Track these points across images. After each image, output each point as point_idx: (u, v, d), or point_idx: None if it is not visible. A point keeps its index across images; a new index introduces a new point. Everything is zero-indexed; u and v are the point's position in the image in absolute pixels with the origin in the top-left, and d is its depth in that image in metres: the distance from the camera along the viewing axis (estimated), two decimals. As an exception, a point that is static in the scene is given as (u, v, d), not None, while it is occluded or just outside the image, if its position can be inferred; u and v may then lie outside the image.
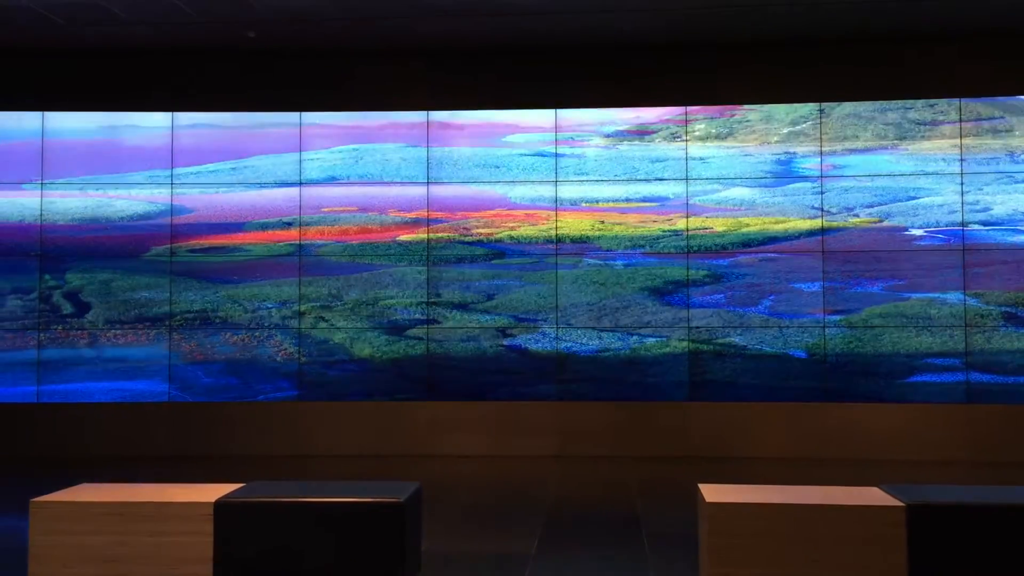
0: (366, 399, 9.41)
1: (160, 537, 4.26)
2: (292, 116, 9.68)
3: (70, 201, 9.66)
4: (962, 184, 9.16)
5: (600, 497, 7.51)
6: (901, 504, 4.03)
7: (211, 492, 4.44)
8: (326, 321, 9.52)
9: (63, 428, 9.36)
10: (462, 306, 9.49)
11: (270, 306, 9.55)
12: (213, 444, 9.29)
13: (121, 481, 4.96)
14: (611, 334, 9.37)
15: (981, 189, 9.15)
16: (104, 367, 9.49)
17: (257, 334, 9.51)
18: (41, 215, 9.61)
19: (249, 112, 9.71)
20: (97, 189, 9.68)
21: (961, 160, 9.18)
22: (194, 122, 9.73)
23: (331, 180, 9.68)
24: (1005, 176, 9.17)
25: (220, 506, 4.26)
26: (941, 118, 9.31)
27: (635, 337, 9.35)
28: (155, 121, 9.70)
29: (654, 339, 9.32)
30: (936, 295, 9.11)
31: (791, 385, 9.16)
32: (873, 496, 4.23)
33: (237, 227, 9.65)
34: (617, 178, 9.57)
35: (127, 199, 9.67)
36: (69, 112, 9.67)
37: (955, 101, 9.25)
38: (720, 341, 9.27)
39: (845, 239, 9.26)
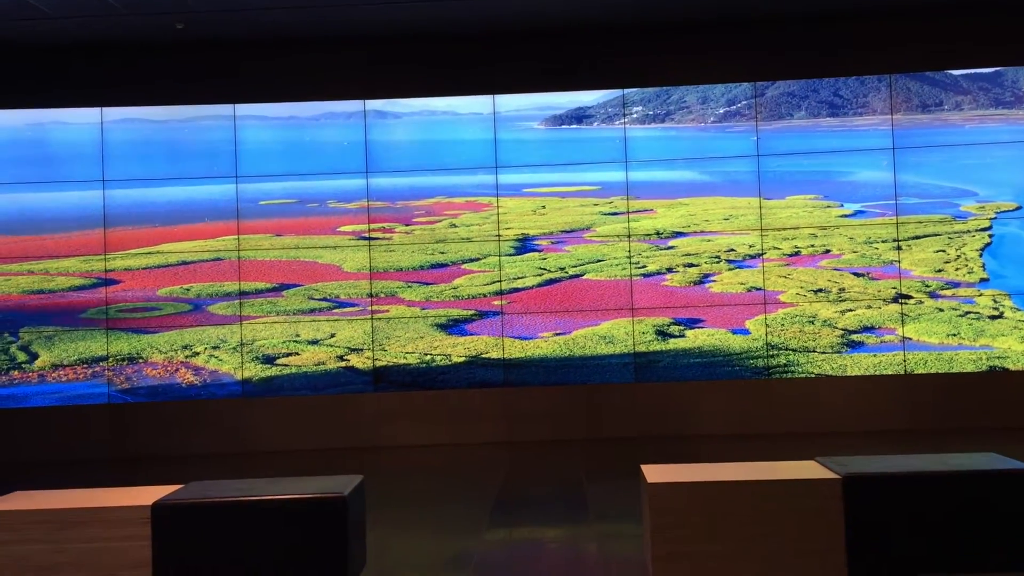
0: (311, 393, 9.31)
1: (97, 543, 4.16)
2: (226, 108, 9.51)
3: (-2, 202, 9.44)
4: (894, 159, 9.32)
5: (548, 481, 7.54)
6: (837, 476, 4.10)
7: (149, 495, 4.35)
8: (268, 315, 9.40)
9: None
10: (406, 295, 9.43)
11: (210, 302, 9.40)
12: (154, 445, 9.14)
13: (59, 487, 4.85)
14: (556, 318, 9.39)
15: (913, 163, 9.32)
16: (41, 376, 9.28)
17: (199, 329, 9.37)
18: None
19: (181, 105, 9.52)
20: (26, 190, 9.45)
21: (893, 135, 9.34)
22: (124, 116, 9.52)
23: (268, 173, 9.54)
24: (935, 150, 9.35)
25: (158, 508, 4.17)
26: (872, 95, 9.46)
27: (580, 320, 9.37)
28: (84, 117, 9.47)
29: (599, 323, 9.36)
30: (872, 268, 9.28)
31: (735, 362, 9.27)
32: (810, 469, 4.29)
33: (172, 223, 9.48)
34: (557, 163, 9.57)
35: (59, 197, 9.46)
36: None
37: (885, 77, 9.40)
38: (663, 322, 9.34)
39: (782, 216, 9.38)
